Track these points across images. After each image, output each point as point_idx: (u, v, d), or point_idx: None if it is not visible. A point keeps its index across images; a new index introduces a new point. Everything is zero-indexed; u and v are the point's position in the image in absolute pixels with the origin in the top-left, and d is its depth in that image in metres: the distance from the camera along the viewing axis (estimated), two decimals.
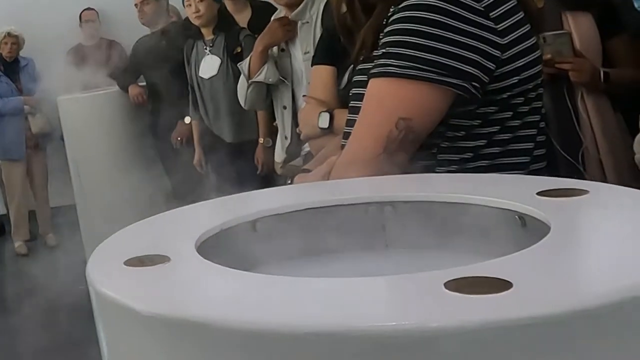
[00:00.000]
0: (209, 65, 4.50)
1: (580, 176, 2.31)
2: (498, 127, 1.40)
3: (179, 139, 5.12)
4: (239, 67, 3.58)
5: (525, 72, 1.40)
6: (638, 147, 2.14)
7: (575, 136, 2.44)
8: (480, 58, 1.34)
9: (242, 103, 3.64)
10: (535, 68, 1.42)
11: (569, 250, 0.80)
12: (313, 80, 2.63)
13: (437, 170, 1.39)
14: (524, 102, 1.41)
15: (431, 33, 1.33)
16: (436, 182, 1.14)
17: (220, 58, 4.46)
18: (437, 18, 1.33)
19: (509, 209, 0.96)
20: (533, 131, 1.44)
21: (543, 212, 0.90)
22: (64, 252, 6.03)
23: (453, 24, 1.33)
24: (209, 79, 4.52)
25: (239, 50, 4.35)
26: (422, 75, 1.32)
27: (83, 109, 5.44)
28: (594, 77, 2.43)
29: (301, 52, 3.22)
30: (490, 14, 1.36)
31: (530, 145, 1.43)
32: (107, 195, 5.32)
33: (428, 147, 1.39)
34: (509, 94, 1.39)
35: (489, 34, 1.35)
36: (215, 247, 0.94)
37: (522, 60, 1.39)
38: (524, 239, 0.87)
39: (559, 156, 2.42)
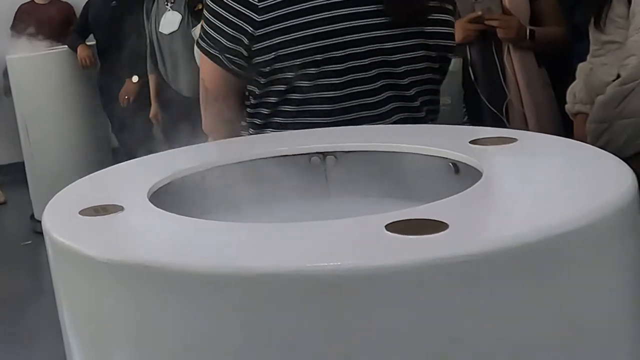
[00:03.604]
0: (170, 21, 4.41)
1: (504, 128, 2.35)
2: (276, 98, 1.44)
3: (126, 97, 5.04)
4: (192, 33, 3.54)
5: (286, 49, 1.39)
6: (570, 98, 2.18)
7: (500, 90, 2.47)
8: (235, 32, 1.42)
9: (198, 63, 3.61)
10: (304, 45, 1.39)
11: (500, 193, 0.82)
12: None
13: (243, 134, 1.50)
14: (298, 77, 1.40)
15: (212, 8, 1.46)
16: (376, 133, 1.15)
17: (180, 14, 4.38)
18: None
19: (443, 157, 0.97)
20: (325, 107, 1.41)
21: (475, 159, 0.91)
22: (12, 209, 5.93)
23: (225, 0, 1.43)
24: (169, 34, 4.43)
25: (200, 7, 4.28)
26: (199, 43, 1.50)
27: (32, 68, 5.30)
28: (520, 34, 2.46)
29: None
30: None
31: (325, 119, 1.41)
32: (55, 152, 5.23)
33: (245, 108, 1.51)
34: (269, 68, 1.41)
35: (247, 10, 1.40)
36: (167, 197, 0.93)
37: (280, 37, 1.39)
38: (458, 185, 0.88)
39: (485, 108, 2.45)
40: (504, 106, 2.45)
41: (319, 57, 1.39)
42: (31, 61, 5.31)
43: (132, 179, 1.00)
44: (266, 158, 1.06)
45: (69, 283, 0.82)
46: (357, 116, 1.41)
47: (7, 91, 5.62)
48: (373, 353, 0.66)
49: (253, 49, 1.41)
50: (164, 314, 0.71)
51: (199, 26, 3.66)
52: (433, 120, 1.51)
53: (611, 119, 1.98)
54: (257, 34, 1.40)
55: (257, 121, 1.47)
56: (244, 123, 1.51)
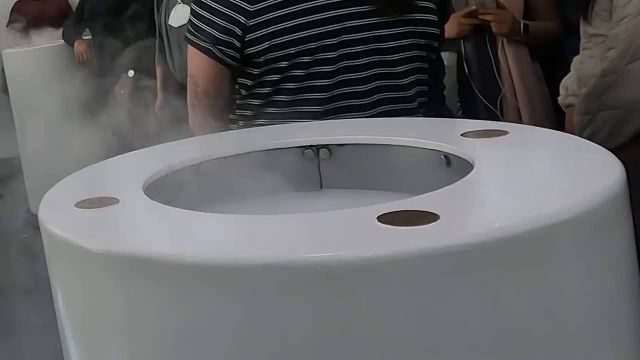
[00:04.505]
0: (180, 14, 4.38)
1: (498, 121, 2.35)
2: (269, 88, 1.44)
3: (122, 91, 5.03)
4: None
5: (280, 38, 1.40)
6: (563, 90, 2.19)
7: (494, 84, 2.48)
8: (226, 23, 1.42)
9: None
10: (298, 33, 1.40)
11: (490, 185, 0.83)
12: None
13: (232, 127, 1.49)
14: (293, 66, 1.41)
15: (200, 1, 1.46)
16: (369, 127, 1.16)
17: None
18: None
19: (435, 150, 0.98)
20: (320, 95, 1.43)
21: (467, 151, 0.92)
22: (8, 203, 5.92)
23: None
24: (178, 27, 4.41)
25: None
26: (189, 37, 1.49)
27: (29, 62, 5.30)
28: (514, 28, 2.46)
29: None
30: None
31: (318, 108, 1.43)
32: (51, 147, 5.23)
33: (233, 102, 1.50)
34: (263, 57, 1.42)
35: (239, 1, 1.41)
36: (162, 189, 0.94)
37: (273, 26, 1.40)
38: (449, 177, 0.89)
39: (479, 102, 2.46)
40: (498, 100, 2.46)
41: (312, 45, 1.40)
42: (27, 56, 5.31)
43: (127, 171, 1.00)
44: (260, 151, 1.07)
45: (65, 275, 0.83)
46: (348, 104, 1.42)
47: (4, 88, 5.62)
48: (364, 343, 0.67)
49: (246, 40, 1.41)
50: (160, 305, 0.72)
51: None
52: (426, 109, 1.50)
53: (594, 110, 2.00)
54: (250, 24, 1.40)
55: (248, 113, 1.47)
56: (233, 117, 1.51)
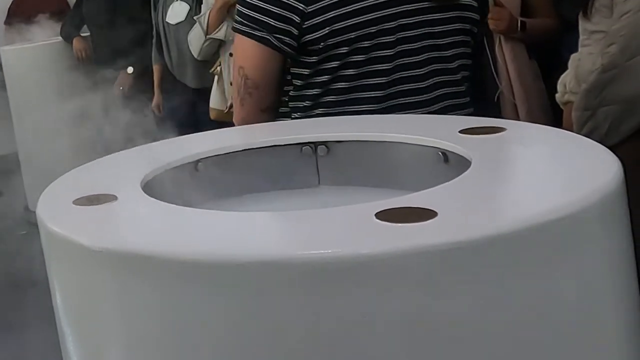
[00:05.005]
0: (177, 12, 4.38)
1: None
2: (328, 76, 1.43)
3: (121, 88, 5.02)
4: (196, 20, 3.53)
5: (340, 23, 1.40)
6: (561, 87, 2.19)
7: (492, 81, 2.48)
8: (283, 11, 1.41)
9: (195, 54, 3.64)
10: (358, 18, 1.41)
11: (488, 181, 0.83)
12: None
13: (281, 118, 1.47)
14: (353, 51, 1.42)
15: None
16: (367, 123, 1.15)
17: (189, 5, 4.36)
18: None
19: (433, 146, 0.98)
20: (380, 79, 1.43)
21: (464, 148, 0.92)
22: (6, 200, 5.91)
23: None
24: (175, 24, 4.40)
25: None
26: (240, 28, 1.45)
27: (27, 59, 5.29)
28: (511, 25, 2.46)
29: None
30: None
31: (379, 93, 1.44)
32: (49, 143, 5.22)
33: (285, 94, 1.48)
34: (323, 44, 1.41)
35: None
36: (160, 186, 0.94)
37: (333, 12, 1.40)
38: (447, 174, 0.89)
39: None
40: (496, 97, 2.46)
41: (372, 29, 1.41)
42: (25, 52, 5.30)
43: (125, 168, 1.00)
44: (258, 148, 1.06)
45: (63, 272, 0.83)
46: (406, 88, 1.43)
47: (2, 85, 5.61)
48: (361, 339, 0.67)
49: (304, 27, 1.40)
50: (157, 302, 0.72)
51: (204, 14, 3.62)
52: (471, 93, 1.52)
53: (594, 106, 2.00)
54: (309, 10, 1.40)
55: (306, 103, 1.45)
56: (284, 109, 1.49)
